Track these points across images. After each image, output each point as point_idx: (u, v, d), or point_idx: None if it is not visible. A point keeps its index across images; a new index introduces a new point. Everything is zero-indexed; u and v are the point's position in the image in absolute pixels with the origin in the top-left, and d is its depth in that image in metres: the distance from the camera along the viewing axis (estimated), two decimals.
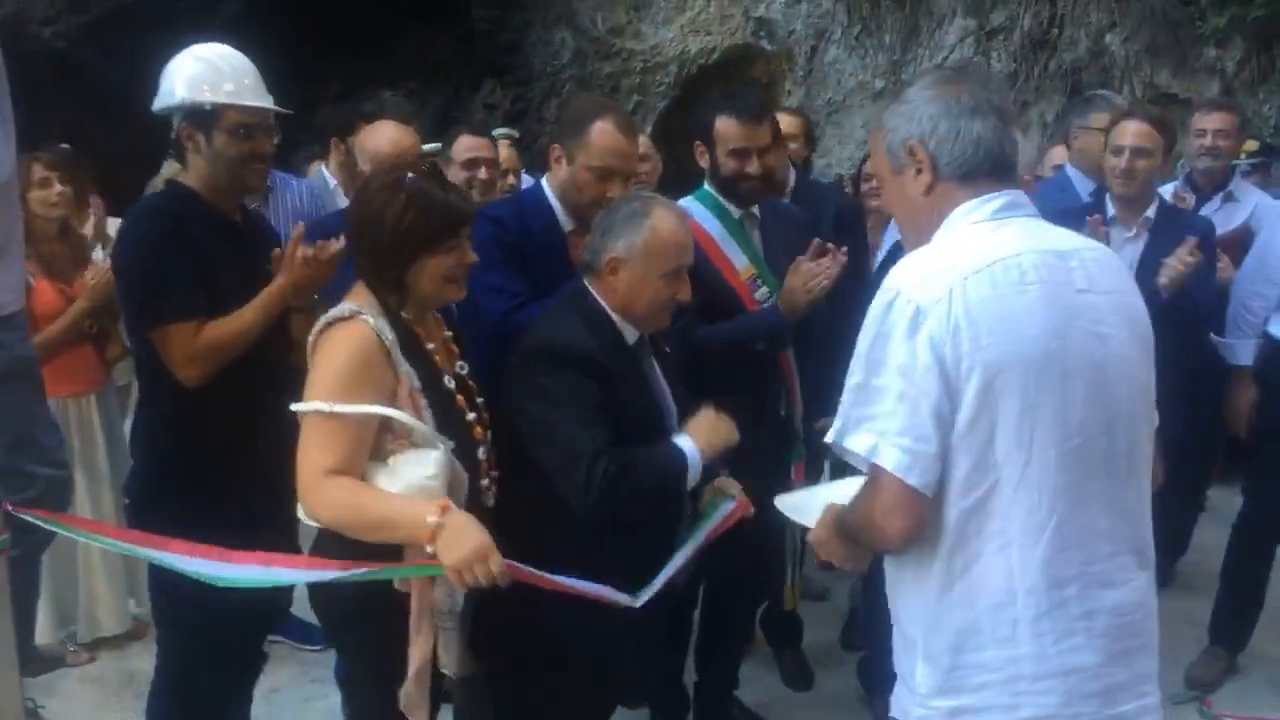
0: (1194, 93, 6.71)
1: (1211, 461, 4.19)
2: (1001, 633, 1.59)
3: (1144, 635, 1.67)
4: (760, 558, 3.09)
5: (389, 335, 2.01)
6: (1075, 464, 1.57)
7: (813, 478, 3.25)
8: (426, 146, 3.96)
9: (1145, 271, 3.28)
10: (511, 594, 1.95)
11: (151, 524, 2.29)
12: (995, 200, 1.67)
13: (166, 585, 2.49)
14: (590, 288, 2.38)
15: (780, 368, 3.12)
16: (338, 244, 2.50)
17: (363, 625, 2.06)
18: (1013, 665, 1.59)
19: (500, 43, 9.64)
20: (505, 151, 4.66)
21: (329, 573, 1.95)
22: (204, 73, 2.52)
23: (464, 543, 1.84)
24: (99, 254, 4.13)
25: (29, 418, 2.50)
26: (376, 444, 1.98)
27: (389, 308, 2.07)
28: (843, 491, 1.83)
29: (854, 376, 1.63)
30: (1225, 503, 3.88)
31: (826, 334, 3.21)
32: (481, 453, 2.17)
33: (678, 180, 4.54)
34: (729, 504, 2.46)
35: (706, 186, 3.11)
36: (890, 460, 1.56)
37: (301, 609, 2.44)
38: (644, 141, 3.86)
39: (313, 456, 1.93)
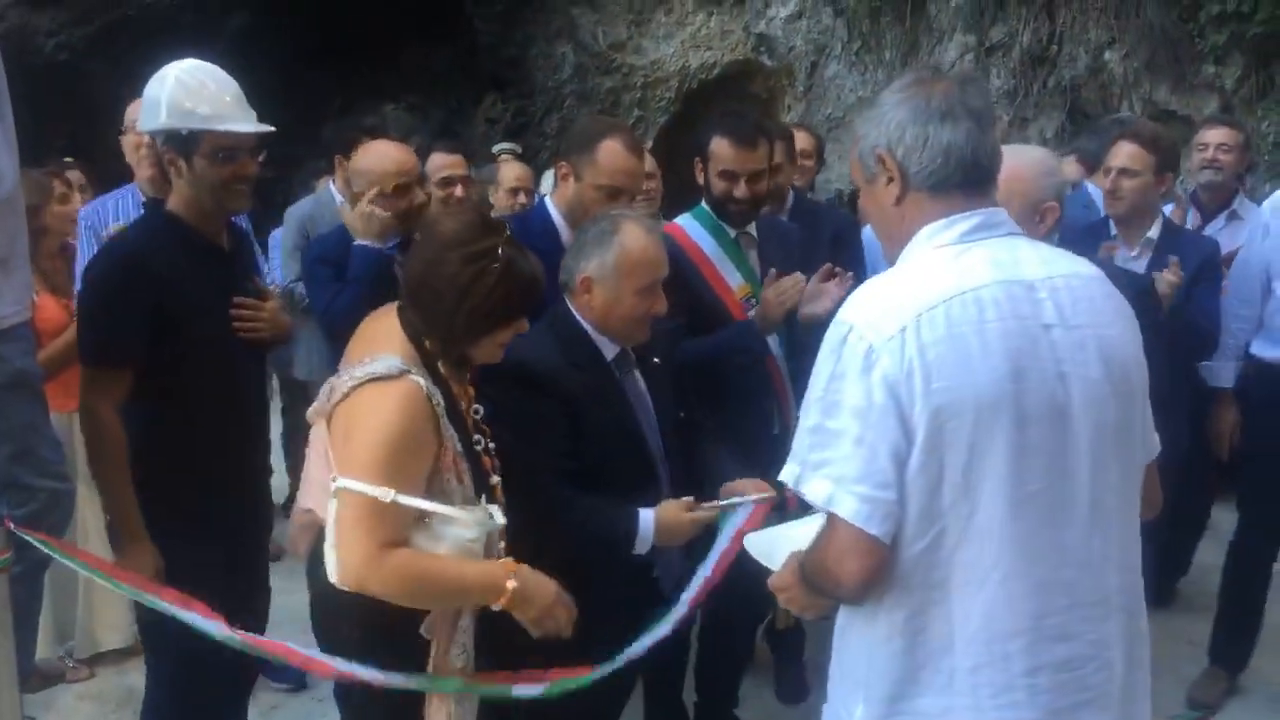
0: (1193, 109, 6.73)
1: (1212, 482, 4.18)
2: (939, 681, 1.53)
3: (1095, 689, 1.55)
4: (759, 573, 3.07)
5: (438, 397, 1.90)
6: (1030, 513, 1.49)
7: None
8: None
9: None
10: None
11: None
12: (963, 222, 1.57)
13: (154, 613, 2.49)
14: (570, 305, 2.42)
15: (774, 384, 3.12)
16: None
17: (364, 656, 2.04)
18: (948, 715, 1.53)
19: (502, 57, 9.69)
20: (518, 169, 4.67)
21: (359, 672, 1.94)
22: (182, 96, 2.46)
23: (540, 598, 1.93)
24: None
25: (30, 430, 2.50)
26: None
27: (432, 364, 1.96)
28: (809, 531, 1.74)
29: (809, 418, 1.55)
30: (1227, 521, 3.88)
31: None
32: (499, 515, 2.08)
33: (680, 196, 4.55)
34: (743, 514, 2.38)
35: (704, 205, 3.12)
36: (848, 509, 1.48)
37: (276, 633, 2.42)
38: (648, 159, 3.87)
39: (361, 536, 1.82)
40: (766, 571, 1.88)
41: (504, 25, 9.64)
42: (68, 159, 4.87)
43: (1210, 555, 4.25)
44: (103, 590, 3.93)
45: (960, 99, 1.57)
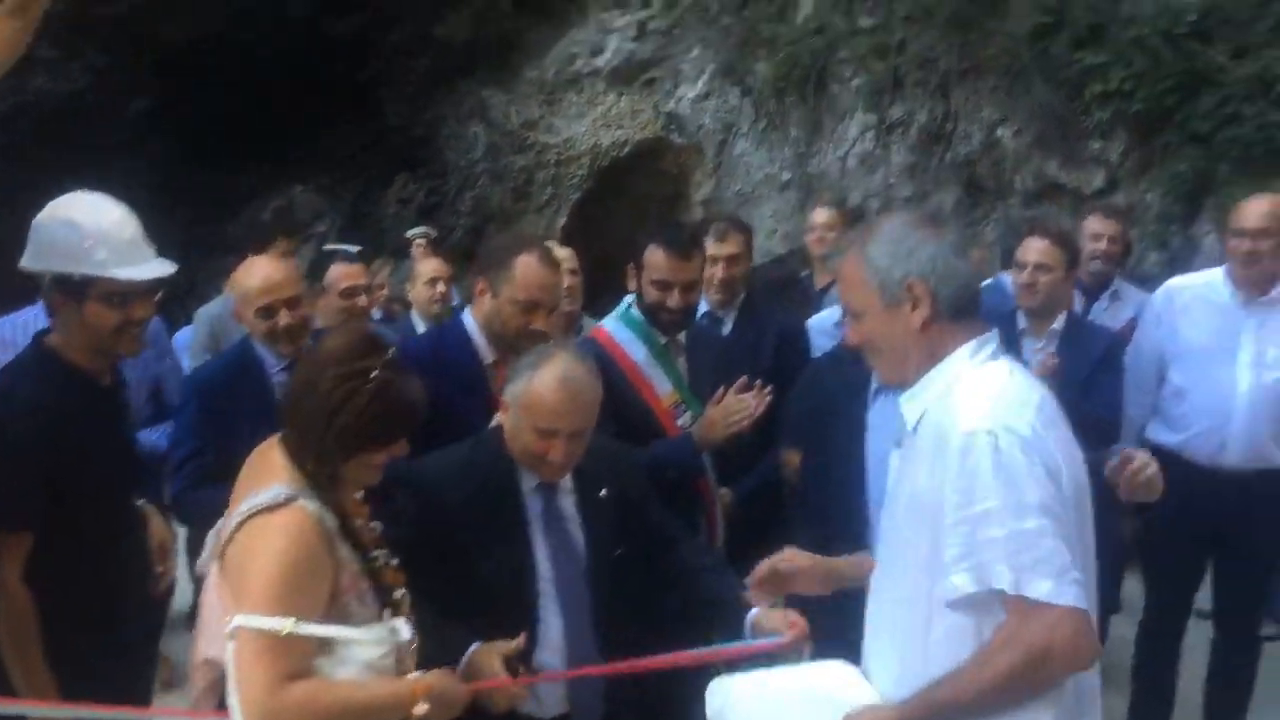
0: (1082, 183, 7.06)
1: (1121, 560, 4.29)
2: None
3: None
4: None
5: (329, 521, 1.86)
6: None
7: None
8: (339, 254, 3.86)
9: (1056, 383, 3.37)
10: None
11: None
12: (991, 343, 1.79)
13: None
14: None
15: (701, 494, 3.11)
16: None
17: None
18: None
19: (413, 136, 9.72)
20: (434, 261, 4.64)
21: None
22: (74, 240, 2.29)
23: (454, 703, 1.95)
24: None
25: None
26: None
27: (321, 486, 1.89)
28: (806, 681, 1.81)
29: (994, 527, 1.63)
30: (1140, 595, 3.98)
31: (752, 463, 3.21)
32: (405, 630, 2.02)
33: (594, 275, 4.56)
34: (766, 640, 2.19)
35: (634, 310, 3.11)
36: (1074, 597, 1.62)
37: None
38: (567, 254, 3.89)
39: (261, 672, 1.74)
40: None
41: (413, 106, 9.69)
42: None
43: (1127, 629, 4.34)
44: None
45: (963, 239, 1.81)
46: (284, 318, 2.84)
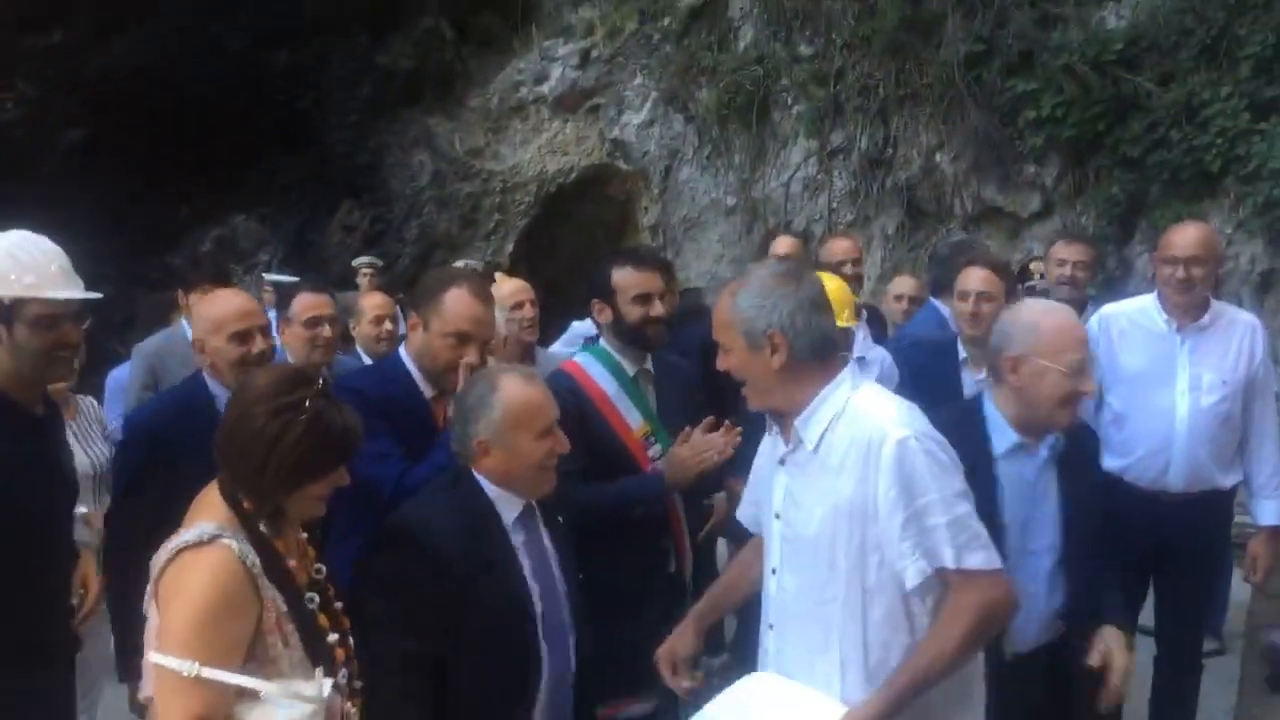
0: (1018, 206, 7.24)
1: None
2: None
3: None
4: None
5: (253, 559, 1.85)
6: None
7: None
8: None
9: None
10: None
11: None
12: (855, 374, 2.12)
13: None
14: (473, 471, 2.34)
15: (672, 525, 3.07)
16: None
17: None
18: None
19: (357, 165, 9.65)
20: (378, 298, 4.57)
21: None
22: (5, 266, 2.35)
23: None
24: None
25: None
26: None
27: (250, 524, 1.90)
28: (773, 691, 1.95)
29: (936, 515, 1.95)
30: None
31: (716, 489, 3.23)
32: (342, 676, 1.99)
33: (544, 301, 4.52)
34: None
35: (603, 343, 3.10)
36: (999, 562, 2.01)
37: None
38: (521, 286, 3.90)
39: (173, 713, 1.75)
40: None
41: (358, 134, 9.63)
42: None
43: None
44: None
45: (821, 290, 2.09)
46: (258, 344, 2.85)
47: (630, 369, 3.06)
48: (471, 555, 2.23)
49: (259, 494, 1.88)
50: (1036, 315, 2.49)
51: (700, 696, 2.23)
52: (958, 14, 7.23)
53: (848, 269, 4.17)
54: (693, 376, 3.29)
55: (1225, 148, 6.21)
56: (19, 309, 2.36)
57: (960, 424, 2.39)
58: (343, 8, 9.36)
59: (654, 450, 2.99)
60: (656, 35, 8.64)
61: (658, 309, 3.01)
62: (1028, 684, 2.47)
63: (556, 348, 4.67)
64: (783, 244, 4.65)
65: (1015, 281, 3.77)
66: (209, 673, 1.74)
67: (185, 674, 1.73)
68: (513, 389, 2.30)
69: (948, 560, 1.95)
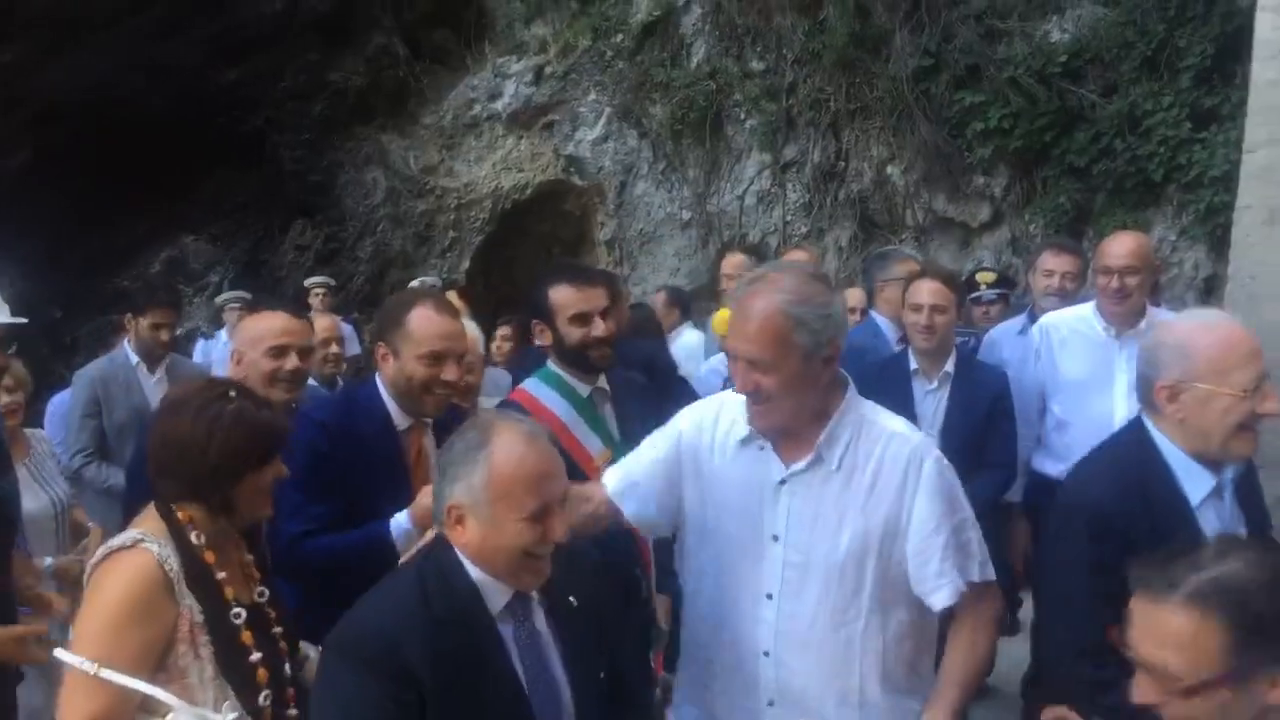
0: (968, 216, 7.32)
1: (1017, 585, 4.37)
2: None
3: None
4: None
5: (173, 565, 1.87)
6: None
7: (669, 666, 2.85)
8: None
9: (951, 421, 3.46)
10: None
11: None
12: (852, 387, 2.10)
13: None
14: (452, 543, 1.85)
15: (642, 556, 2.91)
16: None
17: None
18: None
19: (309, 183, 9.55)
20: (325, 320, 4.49)
21: None
22: None
23: None
24: None
25: None
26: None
27: (178, 533, 1.93)
28: None
29: (968, 531, 2.01)
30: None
31: None
32: (264, 699, 1.91)
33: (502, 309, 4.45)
34: None
35: (551, 365, 2.91)
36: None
37: None
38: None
39: (73, 710, 1.80)
40: None
41: (311, 152, 9.53)
42: None
43: (1021, 648, 4.43)
44: None
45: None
46: (292, 361, 2.85)
47: (583, 389, 2.87)
48: (443, 661, 1.75)
49: (206, 491, 1.94)
50: (1188, 332, 2.07)
51: None
52: (906, 29, 7.32)
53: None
54: (651, 390, 3.15)
55: (1167, 157, 6.35)
56: None
57: (1141, 472, 2.07)
58: (294, 25, 9.27)
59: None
60: (610, 52, 8.65)
61: (599, 329, 2.81)
62: None
63: None
64: (730, 263, 4.63)
65: (965, 292, 3.79)
66: (108, 674, 1.77)
67: (87, 672, 1.76)
68: (507, 450, 1.79)
69: (975, 574, 2.01)
